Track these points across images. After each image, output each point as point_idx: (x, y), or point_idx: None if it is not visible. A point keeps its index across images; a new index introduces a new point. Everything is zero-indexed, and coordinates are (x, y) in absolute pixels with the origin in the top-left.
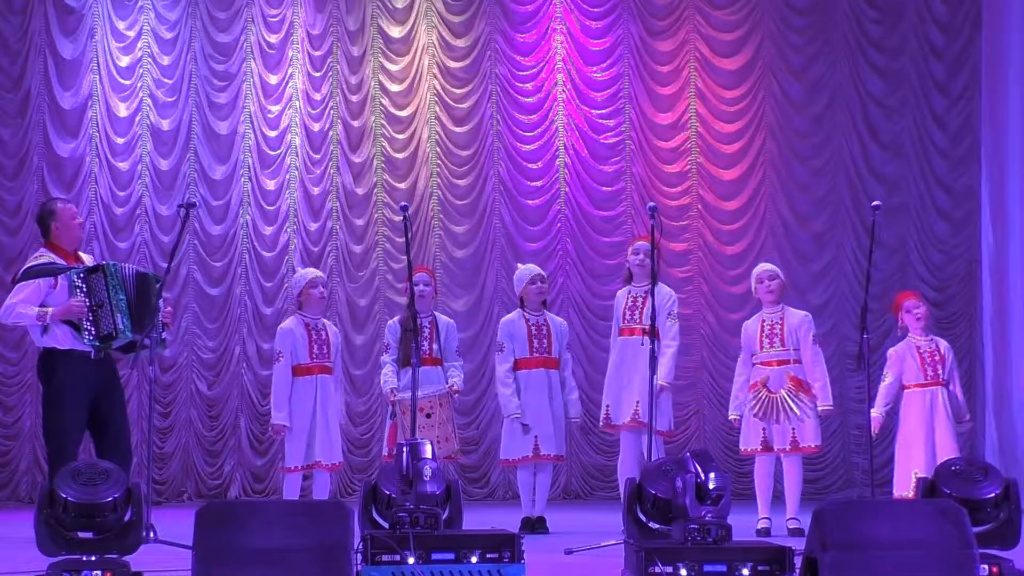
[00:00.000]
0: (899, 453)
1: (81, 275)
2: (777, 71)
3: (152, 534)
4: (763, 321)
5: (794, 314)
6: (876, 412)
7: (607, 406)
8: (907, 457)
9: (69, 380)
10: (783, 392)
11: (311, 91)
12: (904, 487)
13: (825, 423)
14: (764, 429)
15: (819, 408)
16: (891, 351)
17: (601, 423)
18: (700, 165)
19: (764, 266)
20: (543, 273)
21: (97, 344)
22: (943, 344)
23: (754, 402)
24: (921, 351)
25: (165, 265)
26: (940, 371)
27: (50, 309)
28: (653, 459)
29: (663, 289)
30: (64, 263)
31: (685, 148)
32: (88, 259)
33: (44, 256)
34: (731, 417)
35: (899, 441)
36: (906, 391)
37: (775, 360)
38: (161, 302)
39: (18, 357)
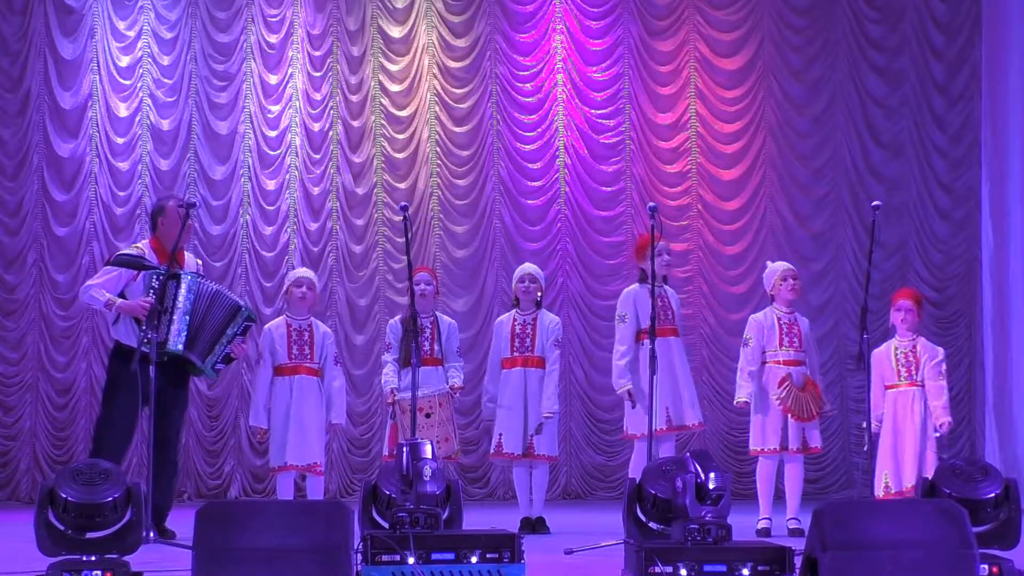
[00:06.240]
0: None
1: (159, 277)
2: (777, 71)
3: (152, 534)
4: (779, 319)
5: (803, 320)
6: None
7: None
8: (879, 459)
9: (125, 376)
10: (807, 393)
11: (311, 91)
12: (878, 488)
13: (824, 423)
14: (783, 429)
15: None
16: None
17: (644, 432)
18: (700, 165)
19: (785, 264)
20: (533, 273)
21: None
22: (920, 345)
23: (784, 396)
24: (897, 352)
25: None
26: (914, 373)
27: (119, 300)
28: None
29: (669, 288)
30: (155, 259)
31: (685, 148)
32: (190, 259)
33: (136, 247)
34: (739, 401)
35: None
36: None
37: (791, 360)
38: (239, 337)
39: (18, 357)
